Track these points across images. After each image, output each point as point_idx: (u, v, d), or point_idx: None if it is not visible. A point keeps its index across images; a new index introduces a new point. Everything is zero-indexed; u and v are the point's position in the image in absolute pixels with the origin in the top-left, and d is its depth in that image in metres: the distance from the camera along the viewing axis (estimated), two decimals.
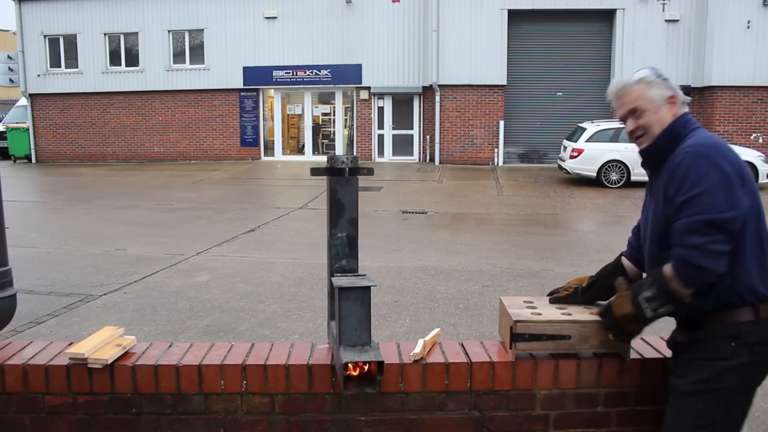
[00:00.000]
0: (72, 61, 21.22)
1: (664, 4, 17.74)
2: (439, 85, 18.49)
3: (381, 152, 20.00)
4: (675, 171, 1.89)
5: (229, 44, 19.93)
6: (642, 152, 2.07)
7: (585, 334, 2.15)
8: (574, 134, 15.14)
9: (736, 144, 14.88)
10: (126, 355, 2.26)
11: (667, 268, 1.87)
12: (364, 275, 2.17)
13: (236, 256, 7.87)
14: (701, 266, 1.80)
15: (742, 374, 1.89)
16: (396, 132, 19.98)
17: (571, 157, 14.57)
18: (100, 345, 2.24)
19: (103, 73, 20.96)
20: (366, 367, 2.03)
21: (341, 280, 2.10)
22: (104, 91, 21.02)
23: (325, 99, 20.90)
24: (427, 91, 19.13)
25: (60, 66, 21.38)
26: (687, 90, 16.52)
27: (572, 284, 2.35)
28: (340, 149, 20.31)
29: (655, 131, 2.01)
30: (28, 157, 21.93)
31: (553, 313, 2.20)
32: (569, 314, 2.19)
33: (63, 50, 21.28)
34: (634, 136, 2.08)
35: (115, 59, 21.08)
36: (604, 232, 9.79)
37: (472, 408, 2.21)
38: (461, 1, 18.15)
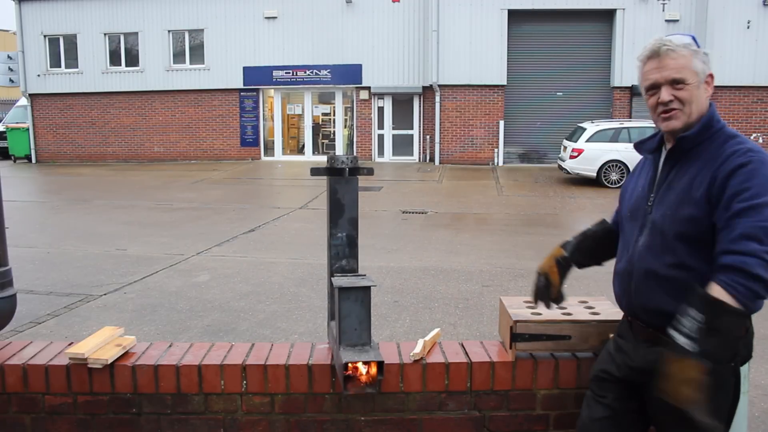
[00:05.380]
0: (72, 61, 21.22)
1: (664, 4, 17.73)
2: (439, 85, 18.48)
3: (381, 152, 20.00)
4: (736, 172, 1.62)
5: (229, 44, 19.92)
6: (681, 137, 1.72)
7: (585, 335, 2.15)
8: (574, 134, 15.14)
9: None
10: (126, 355, 2.26)
11: (712, 287, 1.55)
12: (364, 275, 2.17)
13: (236, 256, 7.87)
14: (759, 276, 1.52)
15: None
16: (396, 132, 19.97)
17: (571, 157, 14.57)
18: (100, 345, 2.24)
19: (103, 73, 20.96)
20: (366, 370, 2.03)
21: (341, 280, 2.10)
22: (104, 91, 21.02)
23: (325, 99, 20.89)
24: (427, 91, 19.13)
25: (60, 66, 21.38)
26: None
27: (544, 269, 2.01)
28: (340, 149, 20.30)
29: (692, 111, 1.72)
30: (28, 157, 21.93)
31: (553, 313, 2.19)
32: (569, 314, 2.19)
33: (63, 50, 21.27)
34: (664, 109, 1.73)
35: (115, 59, 21.08)
36: None
37: (472, 408, 2.21)
38: (461, 1, 18.14)
